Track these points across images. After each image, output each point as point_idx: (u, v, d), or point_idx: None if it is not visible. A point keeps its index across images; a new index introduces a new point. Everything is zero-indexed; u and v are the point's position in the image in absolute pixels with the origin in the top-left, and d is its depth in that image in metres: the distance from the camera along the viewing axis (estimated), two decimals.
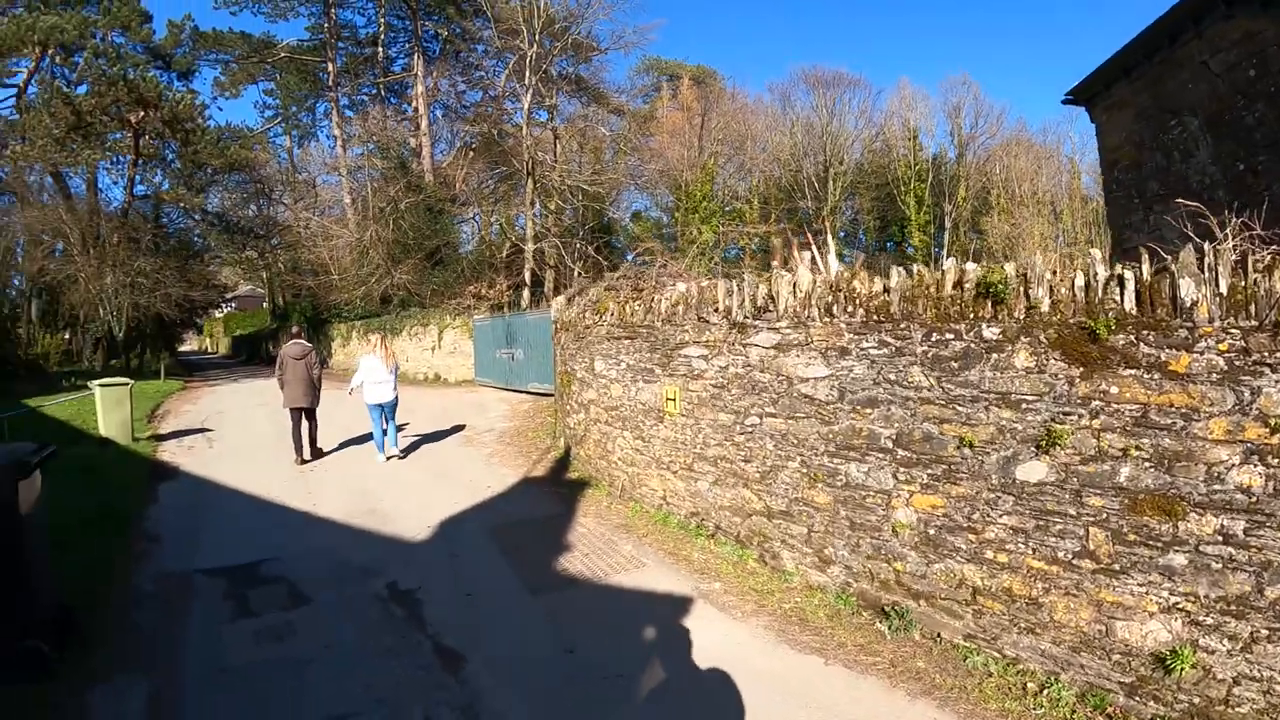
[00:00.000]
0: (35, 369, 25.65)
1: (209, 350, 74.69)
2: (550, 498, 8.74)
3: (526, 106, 29.24)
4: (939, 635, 4.77)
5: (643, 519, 7.67)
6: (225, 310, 61.15)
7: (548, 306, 28.00)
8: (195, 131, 26.09)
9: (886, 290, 5.08)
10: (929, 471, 4.78)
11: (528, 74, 28.85)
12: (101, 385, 12.30)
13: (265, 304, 56.42)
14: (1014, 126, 46.46)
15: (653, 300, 7.62)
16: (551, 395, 15.41)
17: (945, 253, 39.71)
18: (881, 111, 45.65)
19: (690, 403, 7.07)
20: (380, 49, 36.61)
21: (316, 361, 10.95)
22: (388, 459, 10.71)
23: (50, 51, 25.40)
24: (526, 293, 26.77)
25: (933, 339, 4.71)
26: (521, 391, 16.59)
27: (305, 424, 10.86)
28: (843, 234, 44.72)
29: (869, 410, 5.18)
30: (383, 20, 36.08)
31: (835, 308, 5.44)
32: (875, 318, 5.12)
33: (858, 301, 5.27)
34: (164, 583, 6.28)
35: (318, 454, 11.09)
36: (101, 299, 24.91)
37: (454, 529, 7.60)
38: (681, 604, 5.66)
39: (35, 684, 4.46)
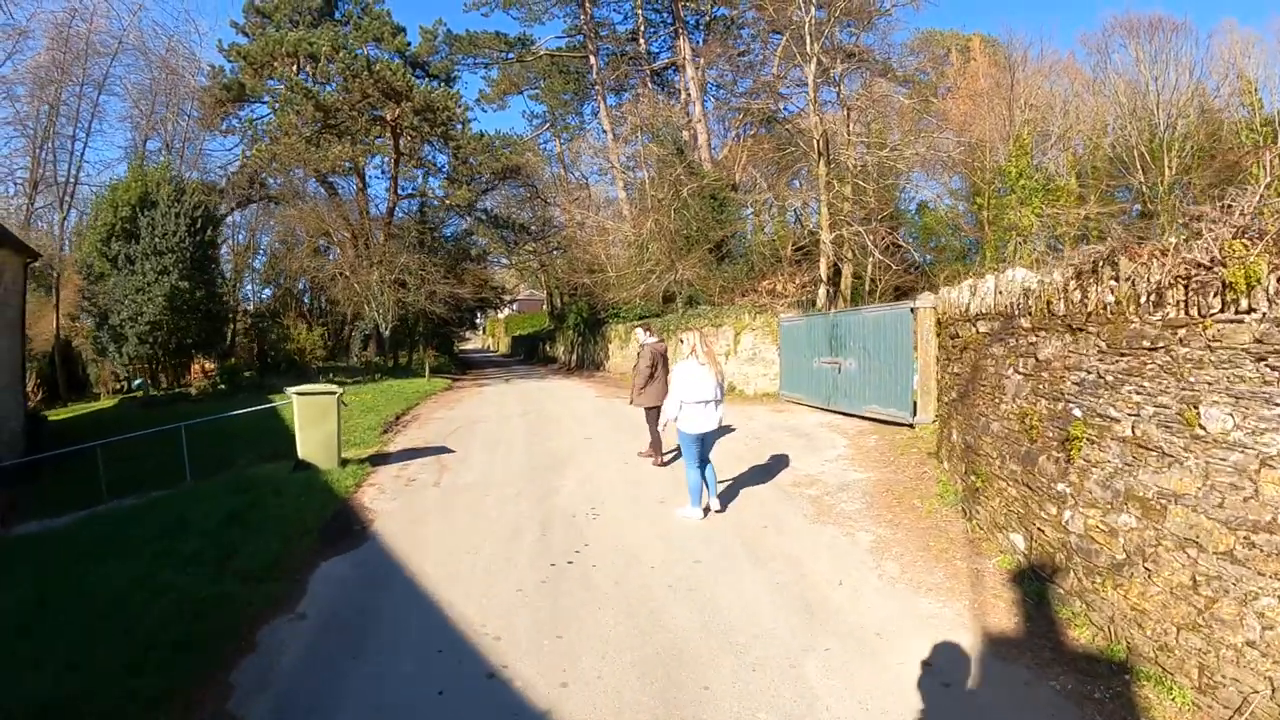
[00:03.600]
0: (294, 363, 24.77)
1: (490, 349, 77.43)
2: None
3: (811, 79, 24.03)
4: None
5: None
6: (507, 312, 61.90)
7: (846, 304, 22.74)
8: (454, 123, 23.73)
9: None
10: None
11: (809, 42, 23.70)
12: (300, 394, 8.85)
13: (544, 307, 56.07)
14: None
15: None
16: (901, 424, 10.29)
17: None
18: (1215, 59, 34.63)
19: None
20: (641, 42, 33.21)
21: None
22: (704, 515, 6.81)
23: (303, 64, 24.15)
24: (823, 290, 21.66)
25: None
26: (853, 415, 11.53)
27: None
28: None
29: None
30: (640, 12, 32.62)
31: None
32: None
33: None
34: None
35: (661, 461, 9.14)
36: (368, 296, 23.38)
37: None
38: None
39: None
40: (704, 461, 6.69)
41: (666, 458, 9.15)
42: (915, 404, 10.18)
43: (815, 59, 23.85)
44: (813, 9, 23.21)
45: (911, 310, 10.27)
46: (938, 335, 8.37)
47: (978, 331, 6.01)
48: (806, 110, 25.16)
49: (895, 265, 24.54)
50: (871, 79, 28.26)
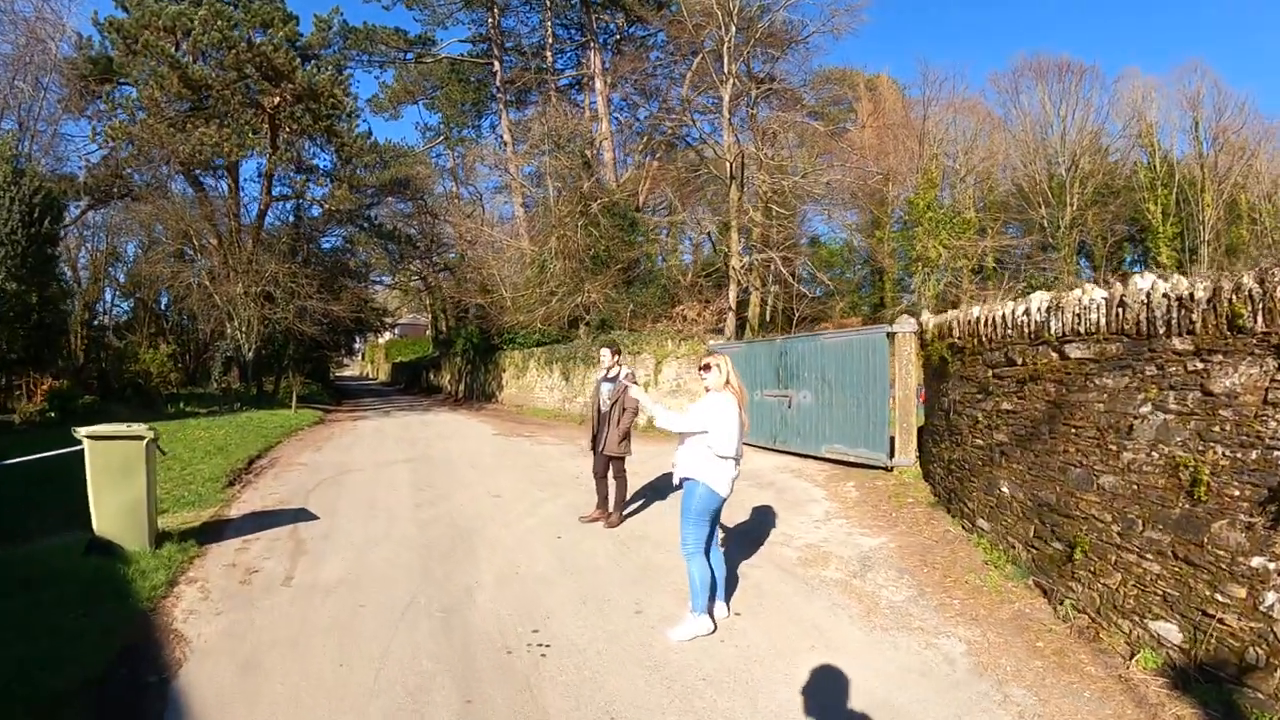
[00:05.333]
0: (139, 390, 21.02)
1: (369, 376, 73.35)
2: None
3: (727, 99, 23.24)
4: None
5: None
6: (388, 336, 58.14)
7: (755, 334, 21.85)
8: (340, 115, 21.32)
9: None
10: None
11: (726, 61, 23.05)
12: (93, 437, 5.95)
13: (429, 331, 52.91)
14: (1272, 119, 36.39)
15: None
16: (875, 467, 9.08)
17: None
18: (1119, 103, 36.73)
19: None
20: (549, 55, 31.51)
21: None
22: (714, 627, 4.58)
23: (180, 41, 21.17)
24: (731, 318, 20.71)
25: None
26: (810, 457, 10.25)
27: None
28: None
29: None
30: (549, 25, 31.03)
31: None
32: None
33: None
34: None
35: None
36: (231, 310, 20.52)
37: None
38: None
39: None
40: (710, 545, 4.82)
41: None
42: (893, 443, 9.09)
43: (732, 80, 23.19)
44: (733, 29, 22.59)
45: (889, 335, 9.19)
46: (949, 362, 7.22)
47: (1062, 357, 4.79)
48: (719, 133, 24.48)
49: (809, 294, 24.04)
50: (785, 106, 27.97)
